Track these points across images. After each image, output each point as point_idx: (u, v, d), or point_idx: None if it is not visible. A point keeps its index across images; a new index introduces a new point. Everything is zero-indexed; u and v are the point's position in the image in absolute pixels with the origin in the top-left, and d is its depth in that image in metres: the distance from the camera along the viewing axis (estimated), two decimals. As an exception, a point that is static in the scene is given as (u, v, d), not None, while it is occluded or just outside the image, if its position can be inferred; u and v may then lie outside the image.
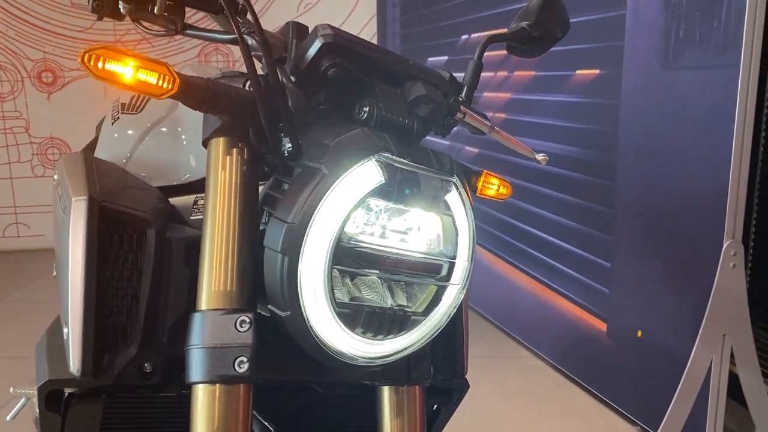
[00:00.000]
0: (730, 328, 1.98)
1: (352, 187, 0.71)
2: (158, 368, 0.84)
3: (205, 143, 0.80)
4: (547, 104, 2.78)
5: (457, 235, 0.80)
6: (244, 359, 0.72)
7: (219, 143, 0.79)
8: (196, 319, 0.74)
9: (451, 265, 0.80)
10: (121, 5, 0.73)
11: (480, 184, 1.01)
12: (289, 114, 0.75)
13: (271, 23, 0.88)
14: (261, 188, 0.81)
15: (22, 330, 3.28)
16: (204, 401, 0.73)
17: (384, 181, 0.72)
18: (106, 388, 0.84)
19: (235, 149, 0.78)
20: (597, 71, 2.47)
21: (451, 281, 0.81)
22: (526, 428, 2.41)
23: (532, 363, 2.91)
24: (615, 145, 2.37)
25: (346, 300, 0.74)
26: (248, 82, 0.80)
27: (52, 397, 0.83)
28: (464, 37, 3.48)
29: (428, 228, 0.80)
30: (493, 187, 1.03)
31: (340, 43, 0.77)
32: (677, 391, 2.02)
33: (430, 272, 0.79)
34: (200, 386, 0.73)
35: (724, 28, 1.88)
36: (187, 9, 0.77)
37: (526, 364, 2.91)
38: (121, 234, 0.83)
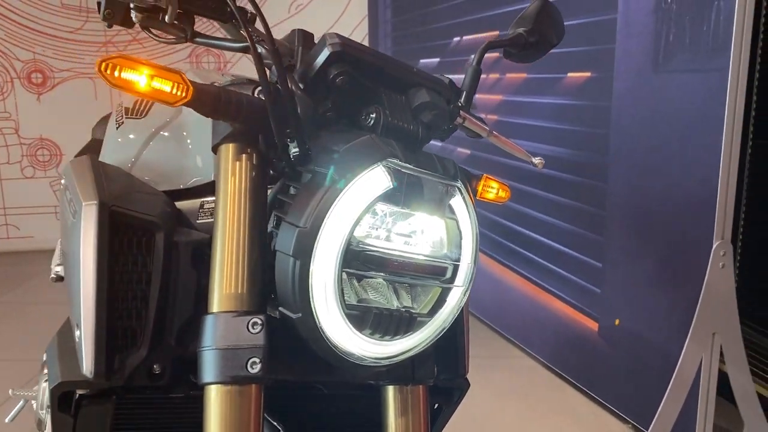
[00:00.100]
0: (720, 327, 2.01)
1: (362, 193, 0.73)
2: (167, 370, 0.85)
3: (215, 149, 0.82)
4: (539, 106, 2.81)
5: (460, 238, 0.82)
6: (257, 360, 0.74)
7: (229, 149, 0.80)
8: (209, 321, 0.76)
9: (455, 268, 0.82)
10: (133, 14, 0.75)
11: (480, 188, 1.03)
12: (298, 121, 0.77)
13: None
14: (268, 192, 0.83)
15: (13, 332, 3.27)
16: (217, 401, 0.74)
17: (392, 186, 0.74)
18: (116, 390, 0.85)
19: (244, 155, 0.80)
20: (588, 74, 2.50)
21: (455, 283, 0.83)
22: (518, 427, 2.44)
23: (525, 363, 2.94)
24: (606, 147, 2.40)
25: (354, 302, 0.76)
26: (257, 89, 0.82)
27: (63, 399, 0.85)
28: (456, 39, 3.51)
29: (431, 231, 0.82)
30: (492, 190, 1.05)
31: (347, 51, 0.79)
32: (668, 389, 2.05)
33: (435, 274, 0.81)
34: (213, 387, 0.74)
35: (714, 32, 1.92)
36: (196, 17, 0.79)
37: (518, 364, 2.93)
38: (131, 238, 0.84)
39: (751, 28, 1.85)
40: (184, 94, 0.71)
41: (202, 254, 0.88)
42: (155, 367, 0.84)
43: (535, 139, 2.79)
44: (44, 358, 1.42)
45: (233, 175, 0.79)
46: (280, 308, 0.75)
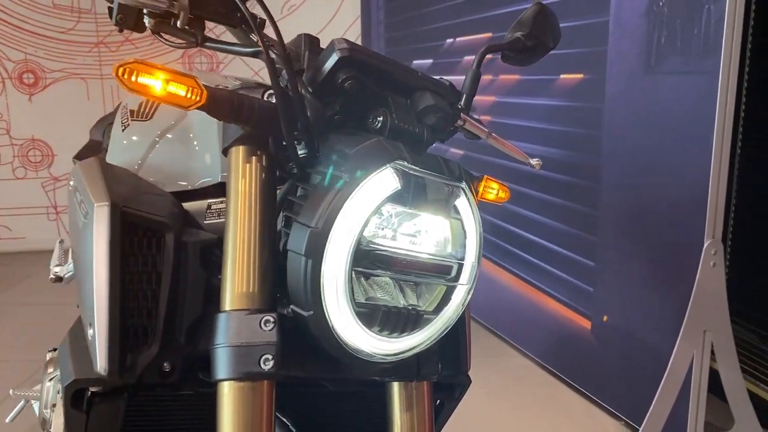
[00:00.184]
0: (711, 325, 2.04)
1: (371, 194, 0.75)
2: (176, 367, 0.86)
3: (226, 151, 0.84)
4: (533, 107, 2.84)
5: (465, 237, 0.85)
6: (269, 357, 0.75)
7: (239, 152, 0.82)
8: (221, 320, 0.77)
9: (460, 266, 0.85)
10: (146, 20, 0.76)
11: (481, 189, 1.06)
12: (308, 123, 0.79)
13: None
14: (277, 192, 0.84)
15: (6, 334, 3.27)
16: (230, 398, 0.76)
17: (400, 188, 0.76)
18: (128, 387, 0.86)
19: (254, 157, 0.82)
20: (581, 76, 2.53)
21: (460, 281, 0.85)
22: (512, 425, 2.46)
23: (519, 361, 2.96)
24: (599, 148, 2.43)
25: (362, 300, 0.78)
26: (266, 93, 0.84)
27: (75, 396, 0.86)
28: (449, 41, 3.53)
29: (436, 231, 0.84)
30: (492, 191, 1.08)
31: (355, 56, 0.81)
32: (660, 386, 2.08)
33: (441, 273, 0.83)
34: (227, 383, 0.76)
35: (705, 35, 1.95)
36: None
37: (512, 363, 2.96)
38: (141, 238, 0.85)
39: (741, 30, 1.89)
40: (198, 99, 0.72)
41: (210, 254, 0.89)
42: (165, 365, 0.86)
43: (528, 140, 2.82)
44: (47, 358, 1.44)
45: (244, 177, 0.81)
46: (292, 306, 0.77)
